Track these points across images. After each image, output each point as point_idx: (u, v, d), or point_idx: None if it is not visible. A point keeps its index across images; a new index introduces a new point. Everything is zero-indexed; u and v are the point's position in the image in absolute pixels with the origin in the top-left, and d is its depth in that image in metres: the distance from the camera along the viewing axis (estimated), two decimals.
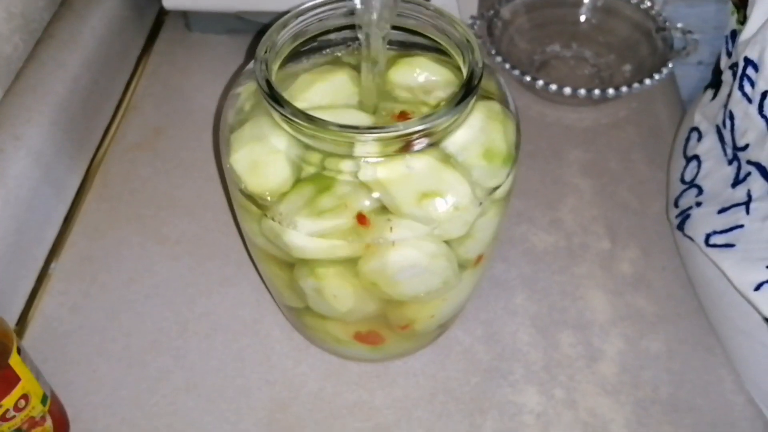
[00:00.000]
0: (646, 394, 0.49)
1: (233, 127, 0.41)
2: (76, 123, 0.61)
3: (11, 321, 0.52)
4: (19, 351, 0.41)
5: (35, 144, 0.55)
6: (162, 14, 0.77)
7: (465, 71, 0.39)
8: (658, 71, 0.64)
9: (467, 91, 0.37)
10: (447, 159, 0.38)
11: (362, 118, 0.40)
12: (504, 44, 0.70)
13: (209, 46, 0.73)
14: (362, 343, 0.47)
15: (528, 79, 0.65)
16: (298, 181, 0.39)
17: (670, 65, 0.65)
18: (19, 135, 0.54)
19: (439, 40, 0.42)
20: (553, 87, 0.64)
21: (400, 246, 0.38)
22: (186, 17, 0.74)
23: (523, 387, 0.49)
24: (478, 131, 0.39)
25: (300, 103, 0.39)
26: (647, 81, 0.64)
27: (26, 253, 0.54)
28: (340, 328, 0.46)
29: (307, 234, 0.38)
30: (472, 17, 0.70)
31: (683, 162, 0.56)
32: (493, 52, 0.66)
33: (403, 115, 0.41)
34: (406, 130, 0.35)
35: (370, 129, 0.36)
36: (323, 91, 0.41)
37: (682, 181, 0.55)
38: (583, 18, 0.73)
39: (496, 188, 0.40)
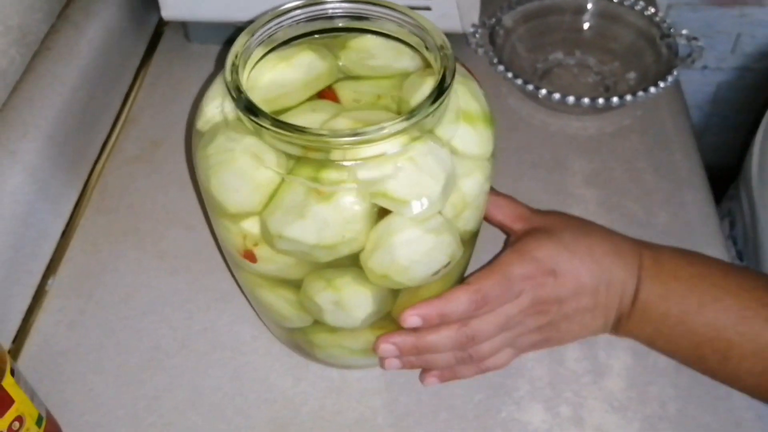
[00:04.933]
0: (654, 410, 0.48)
1: (205, 143, 0.40)
2: (74, 136, 0.60)
3: (7, 339, 0.51)
4: (12, 372, 0.40)
5: (31, 159, 0.54)
6: (161, 25, 0.77)
7: (437, 66, 0.39)
8: (663, 79, 0.63)
9: (442, 88, 0.37)
10: (426, 137, 0.38)
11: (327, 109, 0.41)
12: (506, 52, 0.69)
13: (209, 57, 0.73)
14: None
15: (531, 87, 0.64)
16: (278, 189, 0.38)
17: (675, 73, 0.64)
18: (15, 150, 0.54)
19: (406, 40, 0.42)
20: (557, 96, 0.63)
21: (403, 233, 0.38)
22: (185, 28, 0.74)
23: (528, 404, 0.48)
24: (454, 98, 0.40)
25: (263, 88, 0.40)
26: (652, 89, 0.63)
27: (23, 269, 0.53)
28: (351, 337, 0.45)
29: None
30: (474, 25, 0.69)
31: None
32: (496, 60, 0.66)
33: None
34: (384, 132, 0.35)
35: (348, 134, 0.35)
36: (288, 73, 0.42)
37: None
38: (586, 25, 0.73)
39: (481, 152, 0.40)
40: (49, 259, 0.56)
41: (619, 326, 0.49)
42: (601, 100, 0.63)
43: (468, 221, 0.42)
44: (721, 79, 1.32)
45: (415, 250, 0.39)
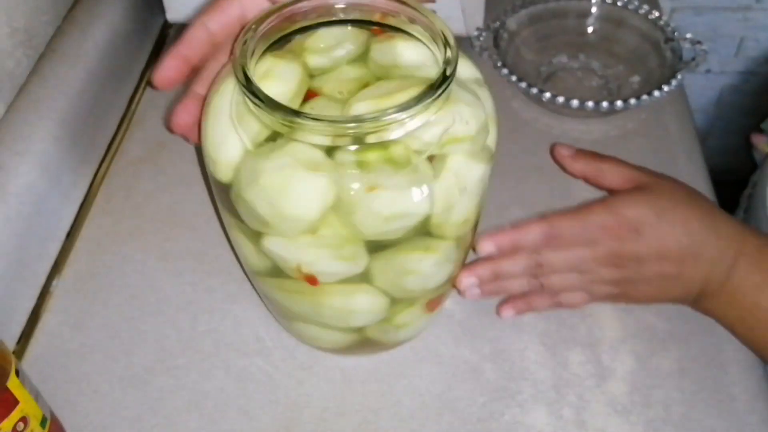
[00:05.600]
0: (657, 414, 0.48)
1: (249, 180, 0.39)
2: (79, 138, 0.60)
3: (12, 339, 0.51)
4: (17, 373, 0.40)
5: (37, 160, 0.54)
6: (166, 27, 0.77)
7: (440, 57, 0.39)
8: (667, 82, 0.64)
9: (444, 78, 0.38)
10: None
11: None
12: (510, 56, 0.69)
13: None
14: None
15: (535, 91, 0.64)
16: None
17: (679, 76, 0.64)
18: (21, 151, 0.54)
19: (414, 33, 0.42)
20: (561, 99, 0.63)
21: (470, 171, 0.40)
22: None
23: (531, 407, 0.48)
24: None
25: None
26: (656, 93, 0.63)
27: (28, 270, 0.53)
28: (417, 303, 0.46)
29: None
30: (478, 29, 0.69)
31: None
32: (500, 63, 0.66)
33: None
34: (384, 119, 0.36)
35: (354, 120, 0.36)
36: (274, 87, 0.41)
37: None
38: (590, 29, 0.73)
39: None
40: (54, 260, 0.56)
41: (700, 302, 0.50)
42: (605, 104, 0.63)
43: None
44: (724, 82, 1.32)
45: (471, 179, 0.40)
